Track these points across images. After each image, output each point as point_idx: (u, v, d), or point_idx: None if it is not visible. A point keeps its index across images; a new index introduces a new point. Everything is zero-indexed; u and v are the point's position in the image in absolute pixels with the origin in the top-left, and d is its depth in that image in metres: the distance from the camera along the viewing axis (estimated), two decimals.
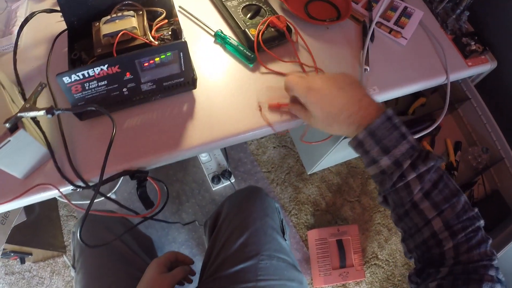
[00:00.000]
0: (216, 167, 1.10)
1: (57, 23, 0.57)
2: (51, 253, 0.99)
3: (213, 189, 1.09)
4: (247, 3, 0.55)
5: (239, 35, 0.54)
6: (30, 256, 0.91)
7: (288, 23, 0.53)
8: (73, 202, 0.49)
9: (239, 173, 1.13)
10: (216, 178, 1.07)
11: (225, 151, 1.14)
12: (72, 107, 0.43)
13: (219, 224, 0.61)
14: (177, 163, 1.13)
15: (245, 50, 0.52)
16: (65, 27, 0.53)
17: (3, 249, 0.69)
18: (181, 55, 0.43)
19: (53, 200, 1.05)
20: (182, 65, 0.44)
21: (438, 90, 0.70)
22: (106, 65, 0.41)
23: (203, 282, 0.57)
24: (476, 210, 0.34)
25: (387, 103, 0.69)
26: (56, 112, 0.41)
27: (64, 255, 1.01)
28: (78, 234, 0.44)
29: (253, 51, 0.52)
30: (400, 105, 0.69)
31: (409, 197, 0.34)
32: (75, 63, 0.48)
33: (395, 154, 0.34)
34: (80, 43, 0.50)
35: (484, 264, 0.31)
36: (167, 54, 0.43)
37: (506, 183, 0.65)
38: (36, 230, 0.86)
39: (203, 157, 1.13)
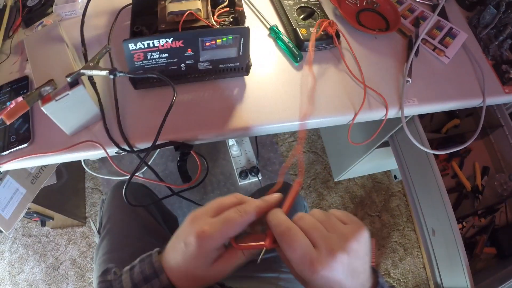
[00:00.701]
0: (245, 162, 1.12)
1: None
2: (71, 222, 1.00)
3: (239, 183, 1.11)
4: (303, 5, 0.58)
5: (290, 33, 0.56)
6: (50, 221, 0.93)
7: (338, 30, 0.55)
8: (101, 176, 0.50)
9: (267, 172, 1.15)
10: (244, 174, 1.09)
11: (256, 148, 1.15)
12: (133, 72, 0.45)
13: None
14: (208, 154, 1.15)
15: (293, 48, 0.54)
16: (128, 1, 0.56)
17: (28, 208, 0.70)
18: (242, 40, 0.45)
19: (81, 171, 1.07)
20: (241, 50, 0.46)
21: (473, 114, 0.72)
22: (171, 38, 0.43)
23: None
24: None
25: (422, 118, 0.70)
26: (119, 74, 0.42)
27: (88, 224, 1.02)
28: (123, 191, 0.45)
29: (300, 50, 0.54)
30: (434, 123, 0.71)
31: None
32: (136, 36, 0.51)
33: None
34: (142, 18, 0.52)
35: None
36: (229, 38, 0.45)
37: None
38: (62, 197, 0.87)
39: (234, 151, 1.15)
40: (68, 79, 0.42)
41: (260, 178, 1.11)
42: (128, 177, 0.46)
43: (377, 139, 0.71)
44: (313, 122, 0.50)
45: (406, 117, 0.58)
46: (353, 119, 0.51)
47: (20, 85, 0.54)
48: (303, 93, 0.51)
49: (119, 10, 0.55)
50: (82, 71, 0.43)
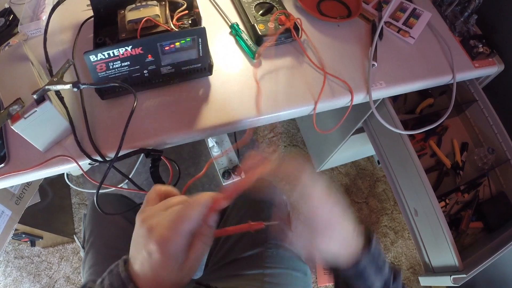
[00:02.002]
0: (227, 163, 1.12)
1: (82, 11, 0.61)
2: (61, 239, 1.01)
3: (223, 184, 1.11)
4: (261, 0, 0.58)
5: (249, 30, 0.57)
6: (40, 240, 0.93)
7: (296, 23, 0.55)
8: (85, 190, 0.51)
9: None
10: (227, 174, 1.09)
11: (237, 148, 1.16)
12: (96, 82, 0.46)
13: (227, 213, 0.62)
14: (190, 158, 1.16)
15: (251, 45, 0.54)
16: (91, 15, 0.56)
17: (15, 229, 0.71)
18: (200, 41, 0.46)
19: (66, 188, 1.08)
20: (200, 51, 0.47)
21: (446, 92, 0.72)
22: (130, 46, 0.44)
23: (210, 269, 0.58)
24: None
25: (395, 101, 0.70)
26: (82, 86, 0.43)
27: (75, 240, 1.03)
28: (95, 199, 0.45)
29: (259, 46, 0.54)
30: (408, 104, 0.71)
31: None
32: (99, 47, 0.51)
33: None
34: (104, 30, 0.53)
35: None
36: (187, 40, 0.45)
37: (511, 184, 0.65)
38: (49, 215, 0.88)
39: (215, 152, 1.15)
40: (35, 96, 0.43)
41: (243, 176, 1.11)
42: (111, 189, 0.46)
43: (351, 125, 0.71)
44: (275, 116, 0.51)
45: (375, 101, 0.59)
46: (315, 108, 0.52)
47: None
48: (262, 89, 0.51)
49: (81, 23, 0.56)
50: (47, 87, 0.44)
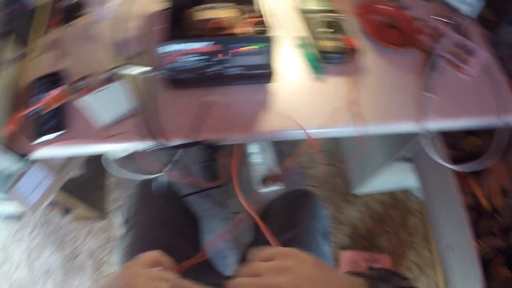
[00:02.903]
0: (266, 171, 1.13)
1: (151, 4, 0.64)
2: (92, 215, 1.03)
3: (260, 191, 1.12)
4: (328, 18, 0.60)
5: (313, 44, 0.59)
6: (72, 212, 0.96)
7: (358, 46, 0.57)
8: (124, 172, 0.53)
9: (286, 181, 1.16)
10: (265, 181, 1.10)
11: (277, 157, 1.17)
12: (170, 71, 0.48)
13: (266, 218, 0.63)
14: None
15: (316, 59, 0.56)
16: (159, 6, 0.59)
17: (53, 197, 0.74)
18: (270, 48, 0.48)
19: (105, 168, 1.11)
20: (268, 58, 0.49)
21: (493, 133, 0.71)
22: (205, 43, 0.46)
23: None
24: None
25: (442, 134, 0.70)
26: (155, 73, 0.46)
27: (105, 219, 1.04)
28: (151, 185, 0.46)
29: (322, 61, 0.57)
30: (453, 139, 0.71)
31: None
32: (170, 39, 0.54)
33: None
34: (176, 23, 0.55)
35: None
36: (258, 46, 0.48)
37: None
38: (86, 190, 0.91)
39: (256, 159, 1.17)
40: (105, 75, 0.46)
41: (280, 187, 1.12)
42: (154, 174, 0.48)
43: (397, 151, 0.71)
44: (325, 132, 0.52)
45: (426, 132, 0.59)
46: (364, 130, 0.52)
47: (54, 79, 0.57)
48: (321, 104, 0.52)
49: (154, 13, 0.59)
50: (119, 68, 0.47)
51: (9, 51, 0.55)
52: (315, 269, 0.30)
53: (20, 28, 0.57)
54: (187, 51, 0.47)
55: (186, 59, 0.48)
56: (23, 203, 0.71)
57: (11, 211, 0.80)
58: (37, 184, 0.70)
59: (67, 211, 0.93)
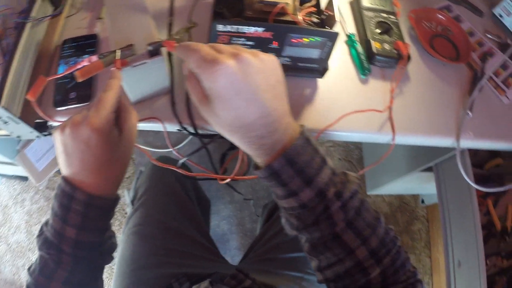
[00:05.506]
0: None
1: None
2: None
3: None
4: (382, 19, 0.57)
5: (363, 44, 0.56)
6: None
7: (408, 54, 0.54)
8: (140, 146, 0.50)
9: None
10: None
11: None
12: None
13: (276, 210, 0.62)
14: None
15: (364, 60, 0.54)
16: None
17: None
18: (328, 44, 0.45)
19: None
20: (324, 53, 0.46)
21: None
22: (263, 28, 0.43)
23: (251, 259, 0.58)
24: (392, 227, 0.31)
25: (470, 152, 0.71)
26: None
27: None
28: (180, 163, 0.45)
29: (370, 63, 0.54)
30: (478, 158, 0.71)
31: (331, 228, 0.29)
32: (217, 16, 0.50)
33: (318, 184, 0.28)
34: (225, 0, 0.52)
35: (411, 282, 0.30)
36: (317, 39, 0.44)
37: None
38: None
39: None
40: (150, 48, 0.42)
41: None
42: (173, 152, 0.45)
43: (423, 162, 0.72)
44: (356, 136, 0.51)
45: (460, 149, 0.59)
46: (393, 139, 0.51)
47: (87, 43, 0.53)
48: (359, 106, 0.50)
49: None
50: (162, 42, 0.42)
51: (41, 8, 0.49)
52: (277, 80, 0.29)
53: None
54: (240, 33, 0.43)
55: (237, 42, 0.44)
56: (29, 170, 0.66)
57: (16, 171, 0.75)
58: (45, 152, 0.66)
59: None
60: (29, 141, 0.68)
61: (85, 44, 0.53)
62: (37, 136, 0.49)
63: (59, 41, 0.53)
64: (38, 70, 0.49)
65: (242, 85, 0.26)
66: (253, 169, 0.31)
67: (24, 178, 0.94)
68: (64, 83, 0.50)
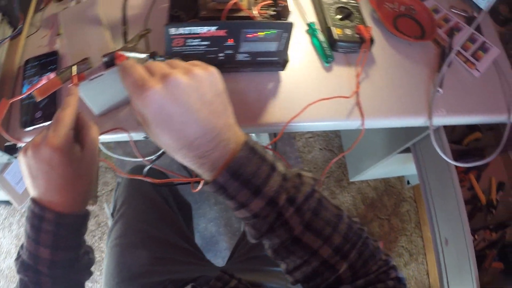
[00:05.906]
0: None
1: None
2: None
3: None
4: (342, 5, 0.57)
5: (324, 31, 0.56)
6: None
7: (370, 37, 0.54)
8: (115, 156, 0.50)
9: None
10: None
11: (275, 143, 1.16)
12: (170, 57, 0.45)
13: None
14: None
15: (326, 48, 0.53)
16: None
17: None
18: (284, 35, 0.45)
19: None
20: (282, 45, 0.46)
21: (494, 128, 0.72)
22: (216, 27, 0.42)
23: (235, 260, 0.57)
24: (358, 219, 0.31)
25: (445, 129, 0.71)
26: (158, 58, 0.42)
27: (95, 203, 1.01)
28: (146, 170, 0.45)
29: (332, 50, 0.54)
30: (456, 134, 0.71)
31: (289, 233, 0.28)
32: (173, 20, 0.50)
33: (267, 193, 0.27)
34: (180, 2, 0.51)
35: (384, 270, 0.29)
36: (272, 31, 0.44)
37: None
38: None
39: None
40: (105, 59, 0.42)
41: None
42: (142, 160, 0.45)
43: (399, 144, 0.71)
44: (326, 125, 0.50)
45: (434, 127, 0.59)
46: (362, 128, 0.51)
47: (49, 60, 0.53)
48: (326, 95, 0.50)
49: None
50: (120, 52, 0.42)
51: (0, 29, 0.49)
52: (215, 94, 0.28)
53: (11, 4, 0.51)
54: (194, 35, 0.43)
55: (193, 43, 0.44)
56: (10, 193, 0.66)
57: (1, 196, 0.76)
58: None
59: None
60: (7, 164, 0.68)
61: (47, 62, 0.53)
62: (9, 159, 0.49)
63: (21, 61, 0.53)
64: (2, 93, 0.49)
65: (173, 108, 0.25)
66: (203, 185, 0.31)
67: (9, 203, 0.94)
68: (29, 103, 0.50)
